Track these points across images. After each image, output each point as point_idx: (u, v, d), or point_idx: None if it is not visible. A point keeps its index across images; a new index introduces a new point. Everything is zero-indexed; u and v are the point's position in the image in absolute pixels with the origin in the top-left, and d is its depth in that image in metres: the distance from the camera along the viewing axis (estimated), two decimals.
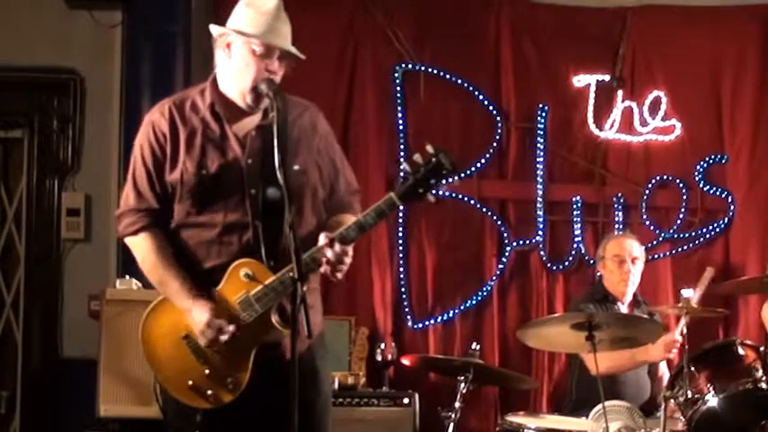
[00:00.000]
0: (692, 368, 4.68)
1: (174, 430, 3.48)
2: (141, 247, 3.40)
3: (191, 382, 3.31)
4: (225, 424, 3.34)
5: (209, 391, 3.31)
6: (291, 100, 3.44)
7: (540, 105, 6.45)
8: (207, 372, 3.31)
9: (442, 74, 6.42)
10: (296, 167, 3.32)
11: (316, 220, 3.37)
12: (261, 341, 3.29)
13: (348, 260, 3.22)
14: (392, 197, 3.19)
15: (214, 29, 3.43)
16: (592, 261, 6.21)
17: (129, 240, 3.43)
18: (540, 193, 6.43)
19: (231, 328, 3.25)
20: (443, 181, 3.15)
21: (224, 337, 3.25)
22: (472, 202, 6.39)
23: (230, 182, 3.31)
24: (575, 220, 6.45)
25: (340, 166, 3.51)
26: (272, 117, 3.22)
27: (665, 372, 5.68)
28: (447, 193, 6.28)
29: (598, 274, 5.81)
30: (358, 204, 3.54)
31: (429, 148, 3.15)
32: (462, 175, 6.37)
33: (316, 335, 3.26)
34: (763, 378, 4.60)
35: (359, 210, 3.48)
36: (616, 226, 6.42)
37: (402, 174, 3.19)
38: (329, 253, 3.18)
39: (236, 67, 3.38)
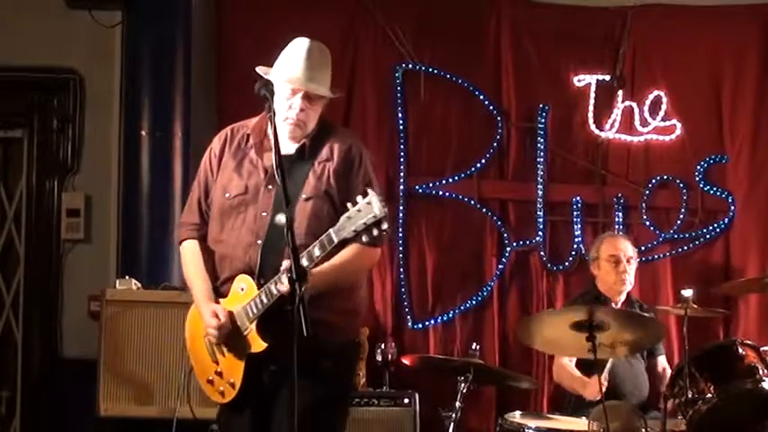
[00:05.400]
0: (693, 368, 4.68)
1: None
2: (183, 255, 3.86)
3: (210, 377, 3.72)
4: (237, 420, 3.71)
5: (221, 387, 3.69)
6: (332, 131, 3.77)
7: (541, 105, 6.45)
8: (216, 370, 3.70)
9: (442, 74, 6.42)
10: (303, 196, 3.63)
11: (311, 240, 3.51)
12: (248, 351, 3.60)
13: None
14: (330, 234, 3.38)
15: (260, 70, 3.73)
16: None
17: (180, 248, 3.87)
18: (540, 193, 6.42)
19: (222, 325, 3.58)
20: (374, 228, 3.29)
21: (219, 335, 3.61)
22: (472, 202, 6.39)
23: (248, 204, 3.68)
24: (575, 220, 6.45)
25: (356, 193, 3.61)
26: (270, 117, 3.53)
27: (665, 367, 5.68)
28: (447, 194, 6.37)
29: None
30: None
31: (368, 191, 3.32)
32: (462, 174, 6.39)
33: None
34: (764, 378, 4.61)
35: None
36: (616, 226, 6.42)
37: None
38: (282, 287, 3.41)
39: (276, 104, 3.66)
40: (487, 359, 5.95)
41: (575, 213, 6.45)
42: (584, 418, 4.78)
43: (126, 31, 6.17)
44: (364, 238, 3.31)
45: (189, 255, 3.80)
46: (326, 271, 3.51)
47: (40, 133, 6.31)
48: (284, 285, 3.39)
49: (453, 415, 4.81)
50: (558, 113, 6.49)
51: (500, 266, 6.40)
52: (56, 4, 6.19)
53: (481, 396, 6.09)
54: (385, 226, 3.27)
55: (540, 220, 6.43)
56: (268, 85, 3.50)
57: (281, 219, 3.53)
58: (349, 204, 3.32)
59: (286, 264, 3.38)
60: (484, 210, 6.41)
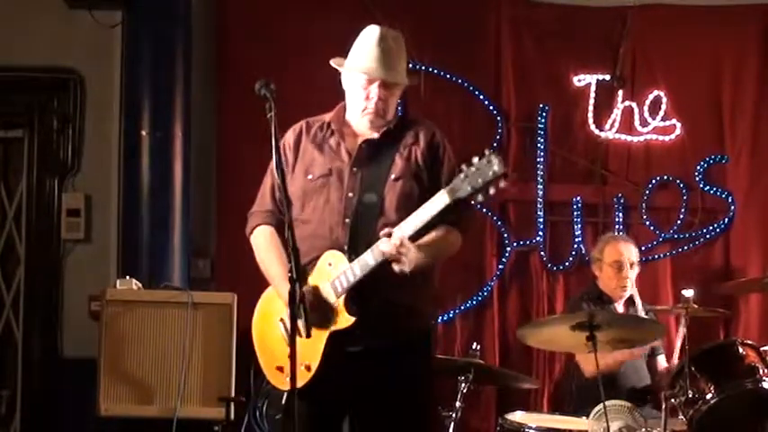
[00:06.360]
0: (693, 368, 4.68)
1: (269, 411, 4.03)
2: (255, 242, 3.82)
3: (280, 364, 3.60)
4: (308, 408, 3.56)
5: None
6: (414, 120, 3.88)
7: (541, 105, 6.45)
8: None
9: (442, 73, 6.42)
10: (392, 176, 3.65)
11: (401, 219, 3.53)
12: (331, 327, 3.54)
13: (409, 253, 3.43)
14: (444, 194, 3.38)
15: (333, 62, 3.84)
16: None
17: (251, 238, 3.84)
18: (541, 193, 6.43)
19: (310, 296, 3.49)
20: (490, 187, 3.30)
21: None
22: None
23: (332, 186, 3.68)
24: (575, 220, 6.45)
25: (443, 176, 3.66)
26: (271, 117, 3.48)
27: (666, 365, 5.67)
28: None
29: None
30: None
31: (486, 151, 3.34)
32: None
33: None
34: (764, 378, 4.61)
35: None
36: (616, 226, 6.42)
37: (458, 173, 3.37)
38: (386, 246, 3.42)
39: (348, 95, 3.81)
40: (487, 359, 5.95)
41: (575, 213, 6.45)
42: (584, 418, 4.78)
43: (126, 31, 6.17)
44: (480, 197, 3.31)
45: (263, 238, 3.78)
46: (435, 241, 3.53)
47: (40, 133, 6.31)
48: (387, 245, 3.39)
49: (453, 415, 4.81)
50: (558, 113, 6.49)
51: (500, 266, 6.40)
52: (56, 3, 6.18)
53: (481, 396, 6.09)
54: (503, 183, 3.28)
55: (540, 220, 6.43)
56: (268, 84, 3.49)
57: (370, 197, 3.60)
58: (463, 165, 3.31)
59: (384, 231, 3.42)
60: (484, 210, 6.41)
